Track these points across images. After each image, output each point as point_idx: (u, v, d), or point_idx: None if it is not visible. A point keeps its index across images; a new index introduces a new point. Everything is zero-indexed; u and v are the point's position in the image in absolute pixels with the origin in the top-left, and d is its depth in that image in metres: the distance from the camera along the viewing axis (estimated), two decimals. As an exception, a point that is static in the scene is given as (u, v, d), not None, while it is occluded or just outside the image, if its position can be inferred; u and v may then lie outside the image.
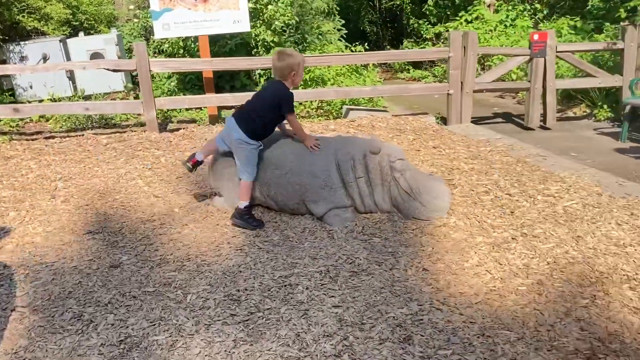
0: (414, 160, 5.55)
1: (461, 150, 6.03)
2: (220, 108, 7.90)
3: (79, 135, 6.88)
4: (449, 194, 4.13)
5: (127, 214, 4.45)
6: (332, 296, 3.09)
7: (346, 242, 3.79)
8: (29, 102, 7.78)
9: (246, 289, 3.22)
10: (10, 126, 7.42)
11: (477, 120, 7.91)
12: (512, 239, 3.69)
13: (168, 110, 7.91)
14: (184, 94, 8.20)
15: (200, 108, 8.00)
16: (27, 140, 6.82)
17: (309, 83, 8.30)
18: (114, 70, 6.76)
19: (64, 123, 7.48)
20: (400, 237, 3.82)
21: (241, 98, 6.91)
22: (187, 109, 8.15)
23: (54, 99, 7.72)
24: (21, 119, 7.45)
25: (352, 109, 7.67)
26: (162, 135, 6.73)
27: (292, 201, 4.20)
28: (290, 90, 4.08)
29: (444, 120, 7.89)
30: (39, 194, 4.88)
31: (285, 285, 3.23)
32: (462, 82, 7.46)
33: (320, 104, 8.47)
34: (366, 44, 10.22)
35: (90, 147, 6.28)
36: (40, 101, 7.72)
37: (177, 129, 7.17)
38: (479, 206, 4.29)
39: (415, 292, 3.08)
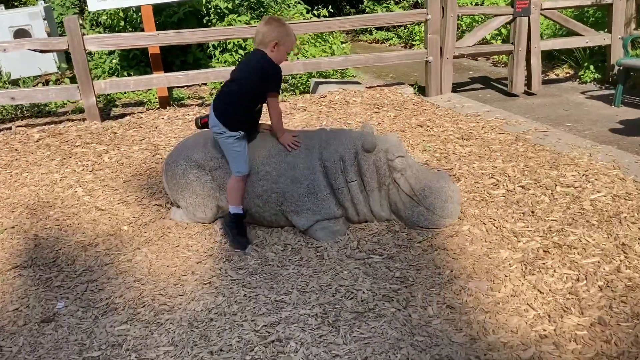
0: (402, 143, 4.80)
1: (450, 127, 5.32)
2: (171, 89, 6.96)
3: (5, 129, 5.85)
4: (459, 194, 3.42)
5: (64, 237, 3.59)
6: (337, 355, 2.35)
7: (340, 264, 3.05)
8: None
9: (222, 350, 2.45)
10: None
11: (454, 88, 7.20)
12: (544, 251, 3.01)
13: (110, 94, 6.92)
14: (129, 73, 7.20)
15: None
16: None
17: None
18: (42, 51, 5.72)
19: (-12, 113, 6.43)
20: (407, 255, 3.10)
21: (194, 77, 6.01)
22: (132, 91, 7.16)
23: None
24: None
25: (321, 83, 6.85)
26: (104, 124, 5.78)
27: (268, 212, 3.42)
28: (277, 64, 3.27)
29: (422, 90, 7.15)
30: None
31: (272, 341, 2.47)
32: (441, 48, 6.70)
33: (284, 76, 7.59)
34: (329, 7, 9.31)
35: (19, 144, 5.30)
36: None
37: (123, 115, 6.23)
38: (491, 205, 3.60)
39: (444, 344, 2.37)
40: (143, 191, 4.17)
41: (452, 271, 2.90)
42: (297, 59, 7.24)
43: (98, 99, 6.86)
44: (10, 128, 5.77)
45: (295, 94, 7.17)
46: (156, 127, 5.65)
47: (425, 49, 6.75)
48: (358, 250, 3.21)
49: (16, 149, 5.12)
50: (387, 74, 9.32)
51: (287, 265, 3.13)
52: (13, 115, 6.54)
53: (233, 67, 6.52)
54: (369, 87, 7.04)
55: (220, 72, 6.14)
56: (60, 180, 4.41)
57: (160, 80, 6.02)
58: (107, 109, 6.76)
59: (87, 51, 5.72)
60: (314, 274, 3.00)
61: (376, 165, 3.27)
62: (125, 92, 7.08)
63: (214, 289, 2.94)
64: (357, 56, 6.69)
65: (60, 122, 6.12)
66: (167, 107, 6.30)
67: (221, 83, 7.05)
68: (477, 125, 5.37)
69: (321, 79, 7.07)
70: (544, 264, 2.89)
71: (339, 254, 3.19)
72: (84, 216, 3.85)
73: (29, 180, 4.43)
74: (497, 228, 3.31)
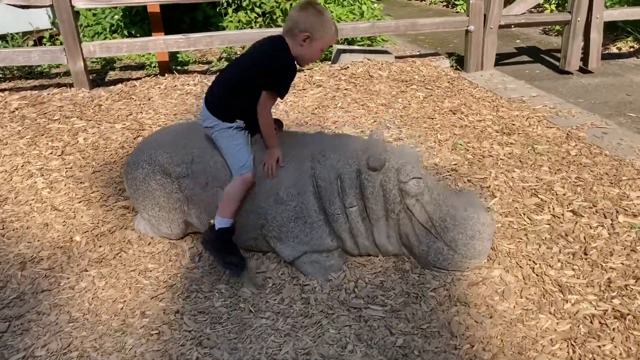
0: (428, 138, 3.99)
1: (489, 116, 4.47)
2: (174, 54, 6.20)
3: (-13, 93, 5.23)
4: (492, 228, 2.63)
5: (4, 248, 2.96)
6: None
7: (329, 317, 2.36)
8: None
9: None
10: None
11: (498, 60, 6.24)
12: (601, 323, 2.24)
13: (98, 58, 6.20)
14: (130, 32, 6.45)
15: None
16: None
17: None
18: (22, 7, 5.02)
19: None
20: (416, 309, 2.37)
21: (196, 41, 5.24)
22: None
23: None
24: None
25: (344, 50, 5.99)
26: (92, 93, 5.10)
27: (247, 235, 2.71)
28: (292, 60, 2.54)
29: (460, 62, 6.23)
30: None
31: None
32: (485, 15, 5.74)
33: None
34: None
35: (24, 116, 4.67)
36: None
37: (119, 81, 5.53)
38: (531, 237, 2.82)
39: None
40: (111, 187, 3.50)
41: (472, 346, 2.16)
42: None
43: (93, 61, 6.18)
44: (-11, 93, 5.14)
45: (316, 61, 6.33)
46: (149, 99, 4.95)
47: (467, 16, 5.80)
48: (354, 295, 2.49)
49: (-14, 121, 4.50)
50: (424, 39, 8.36)
51: (262, 310, 2.44)
52: (1, 76, 5.91)
53: (244, 30, 5.73)
54: (399, 57, 6.15)
55: (226, 37, 5.34)
56: (22, 166, 3.77)
57: (157, 44, 5.27)
58: (103, 71, 6.07)
59: (74, 8, 4.99)
60: (292, 331, 2.30)
61: (384, 187, 2.50)
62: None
63: (161, 344, 2.28)
64: (386, 23, 5.79)
65: (50, 86, 5.46)
66: (167, 74, 5.57)
67: (230, 48, 6.27)
68: (520, 115, 4.50)
69: (344, 46, 6.21)
70: (600, 347, 2.12)
71: (330, 297, 2.48)
72: (36, 218, 3.21)
73: (-14, 164, 3.80)
74: (537, 276, 2.54)
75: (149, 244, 2.96)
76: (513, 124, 4.30)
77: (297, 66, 2.58)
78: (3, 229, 3.12)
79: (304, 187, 2.54)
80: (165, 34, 5.44)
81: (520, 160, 3.63)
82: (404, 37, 8.21)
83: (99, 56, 5.34)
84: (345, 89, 5.02)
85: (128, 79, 5.61)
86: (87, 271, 2.77)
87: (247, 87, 2.53)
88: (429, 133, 4.09)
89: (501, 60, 6.55)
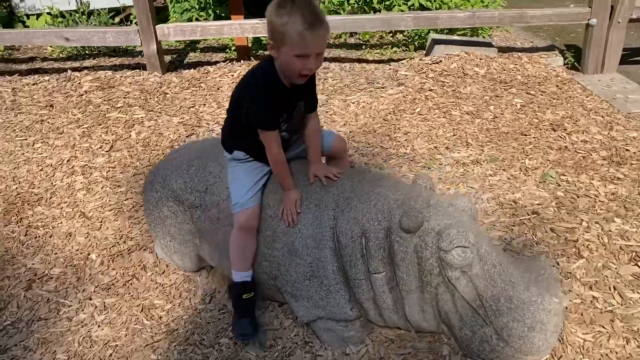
0: (513, 163, 3.33)
1: (598, 135, 3.70)
2: (258, 37, 5.82)
3: (70, 70, 5.17)
4: (559, 317, 2.02)
5: (19, 260, 2.79)
6: None
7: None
8: (27, 15, 6.15)
9: None
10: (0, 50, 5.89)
11: (624, 57, 5.24)
12: None
13: (174, 42, 5.97)
14: (216, 12, 6.16)
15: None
16: (1, 75, 5.22)
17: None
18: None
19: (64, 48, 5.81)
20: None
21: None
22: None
23: (54, 14, 6.02)
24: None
25: (440, 41, 5.32)
26: (163, 78, 4.88)
27: (260, 283, 2.30)
28: (264, 85, 1.99)
29: (578, 59, 5.32)
30: None
31: None
32: (612, 7, 4.81)
33: (381, 34, 6.15)
34: None
35: (62, 96, 4.60)
36: (38, 16, 6.06)
37: (195, 65, 5.28)
38: (618, 327, 2.16)
39: None
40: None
41: None
42: (408, 8, 5.72)
43: (171, 45, 5.99)
44: (66, 71, 5.10)
45: (408, 49, 5.72)
46: (217, 89, 4.65)
47: (589, 6, 4.89)
48: (372, 379, 2.01)
49: (52, 104, 4.42)
50: (539, 31, 7.36)
51: (260, 386, 2.04)
52: (90, 51, 5.88)
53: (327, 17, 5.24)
54: (504, 51, 5.38)
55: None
56: (68, 160, 3.61)
57: (232, 29, 4.93)
58: (185, 52, 5.86)
59: (150, -13, 4.76)
60: None
61: (419, 254, 1.98)
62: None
63: (134, 414, 1.95)
64: (489, 12, 5.03)
65: (128, 66, 5.34)
66: (244, 60, 5.24)
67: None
68: (639, 138, 3.67)
69: (439, 35, 5.52)
70: None
71: (344, 378, 2.02)
72: (62, 225, 3.02)
73: (35, 155, 3.68)
74: (616, 391, 1.91)
75: (162, 273, 2.65)
76: (627, 150, 3.51)
77: (291, 82, 1.99)
78: (25, 235, 2.96)
79: (323, 241, 2.08)
80: (252, 15, 5.10)
81: (625, 206, 2.90)
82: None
83: (173, 39, 5.10)
84: (430, 90, 4.40)
85: (206, 63, 5.35)
86: (91, 300, 2.52)
87: (236, 116, 2.09)
88: (517, 156, 3.42)
89: (628, 58, 5.53)
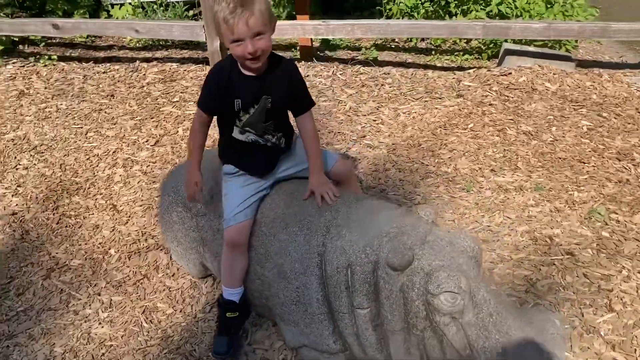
0: (560, 194, 3.06)
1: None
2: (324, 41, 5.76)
3: (141, 60, 5.35)
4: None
5: (46, 247, 2.91)
6: None
7: None
8: (111, 5, 6.43)
9: None
10: (83, 38, 6.19)
11: None
12: None
13: None
14: (287, 9, 6.15)
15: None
16: (79, 62, 5.47)
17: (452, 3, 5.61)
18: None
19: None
20: None
21: (336, 29, 4.75)
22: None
23: (135, 4, 6.24)
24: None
25: (512, 51, 5.01)
26: (223, 75, 4.91)
27: (253, 301, 2.26)
28: (216, 67, 2.07)
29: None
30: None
31: None
32: None
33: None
34: None
35: (125, 86, 4.76)
36: (121, 6, 6.31)
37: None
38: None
39: None
40: (175, 194, 3.26)
41: None
42: (487, 15, 5.41)
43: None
44: (136, 61, 5.28)
45: (480, 57, 5.44)
46: (273, 89, 4.61)
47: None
48: (348, 419, 1.91)
49: (113, 94, 4.58)
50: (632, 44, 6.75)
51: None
52: (162, 42, 6.06)
53: (396, 21, 5.07)
54: (585, 65, 4.98)
55: (370, 27, 4.75)
56: (114, 152, 3.72)
57: (294, 29, 4.89)
58: (253, 48, 5.89)
59: (217, -16, 4.80)
60: None
61: (405, 294, 1.84)
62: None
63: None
64: (567, 24, 4.67)
65: (196, 60, 5.44)
66: (306, 61, 5.18)
67: (383, 40, 5.63)
68: None
69: (515, 45, 5.20)
70: None
71: (321, 412, 1.93)
72: (93, 217, 3.12)
73: (86, 145, 3.83)
74: None
75: (172, 276, 2.66)
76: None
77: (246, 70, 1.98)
78: (57, 223, 3.08)
79: (310, 268, 1.99)
80: (324, 12, 5.02)
81: (679, 257, 2.58)
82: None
83: (236, 36, 5.12)
84: (490, 104, 4.15)
85: (269, 61, 5.34)
86: (99, 295, 2.58)
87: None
88: (567, 186, 3.14)
89: None
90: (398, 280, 1.84)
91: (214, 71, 2.03)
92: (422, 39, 5.90)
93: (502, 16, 5.42)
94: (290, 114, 2.18)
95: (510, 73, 4.70)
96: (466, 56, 5.47)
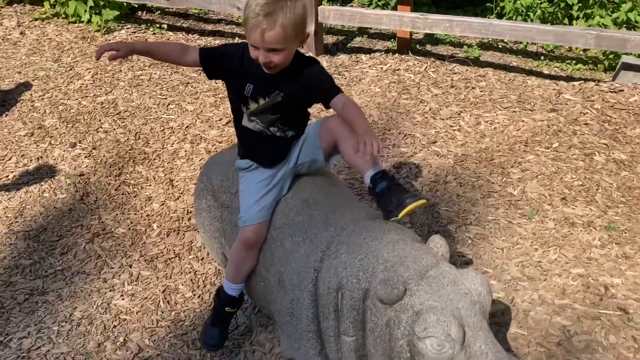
0: (636, 238, 2.71)
1: None
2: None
3: (242, 36, 5.45)
4: None
5: (99, 210, 3.08)
6: None
7: None
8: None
9: None
10: (196, 10, 6.42)
11: None
12: None
13: (334, 25, 5.82)
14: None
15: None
16: (186, 33, 5.67)
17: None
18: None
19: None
20: None
21: (434, 24, 4.54)
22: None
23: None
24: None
25: (630, 66, 4.49)
26: (319, 60, 4.85)
27: (259, 301, 2.23)
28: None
29: None
30: (69, 136, 3.75)
31: None
32: None
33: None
34: None
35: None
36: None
37: (350, 52, 5.20)
38: None
39: None
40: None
41: None
42: (613, 22, 4.88)
43: (329, 28, 5.90)
44: (235, 37, 5.38)
45: (597, 70, 4.96)
46: (359, 80, 4.53)
47: None
48: None
49: (204, 70, 4.70)
50: None
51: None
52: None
53: (498, 21, 4.72)
54: None
55: (469, 24, 4.45)
56: (188, 127, 3.84)
57: (391, 20, 4.71)
58: (353, 36, 5.79)
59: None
60: None
61: (391, 330, 1.71)
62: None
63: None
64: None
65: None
66: (402, 53, 4.99)
67: (489, 41, 5.27)
68: None
69: (635, 60, 4.64)
70: None
71: None
72: (149, 188, 3.24)
73: (164, 116, 3.97)
74: None
75: (201, 260, 2.70)
76: None
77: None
78: (116, 190, 3.23)
79: (304, 282, 1.91)
80: (435, 4, 4.79)
81: None
82: None
83: (332, 23, 5.05)
84: (586, 124, 3.75)
85: (366, 50, 5.23)
86: (130, 267, 2.68)
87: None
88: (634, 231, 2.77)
89: None
90: (385, 314, 1.71)
91: (237, 45, 1.97)
92: (534, 42, 5.46)
93: (630, 25, 4.87)
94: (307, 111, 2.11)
95: (621, 90, 4.22)
96: (579, 65, 5.00)
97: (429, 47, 5.30)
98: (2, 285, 2.59)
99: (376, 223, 1.95)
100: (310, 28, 4.84)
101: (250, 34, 1.77)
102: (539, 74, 4.69)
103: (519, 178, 3.19)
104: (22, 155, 3.55)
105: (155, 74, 4.58)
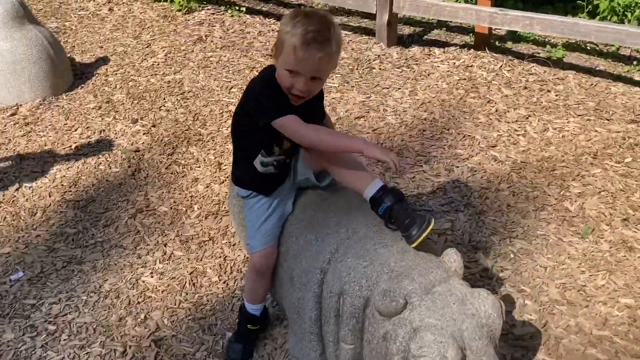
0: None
1: None
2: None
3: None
4: None
5: (146, 189, 3.16)
6: None
7: None
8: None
9: None
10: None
11: None
12: None
13: (410, 16, 5.60)
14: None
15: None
16: (264, 17, 5.70)
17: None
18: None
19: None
20: None
21: (512, 20, 4.30)
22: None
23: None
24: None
25: None
26: (384, 51, 4.75)
27: (275, 293, 2.22)
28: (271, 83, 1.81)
29: None
30: (133, 112, 3.88)
31: None
32: None
33: None
34: None
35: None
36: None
37: (425, 45, 5.03)
38: None
39: None
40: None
41: None
42: None
43: (399, 20, 5.71)
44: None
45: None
46: (427, 75, 4.37)
47: None
48: None
49: (271, 54, 4.70)
50: None
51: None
52: (342, 9, 6.04)
53: (586, 21, 4.37)
54: None
55: (550, 23, 4.16)
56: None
57: (467, 14, 4.49)
58: (430, 27, 5.59)
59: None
60: None
61: (387, 343, 1.63)
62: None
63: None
64: None
65: (370, 31, 5.33)
66: (479, 50, 4.76)
67: (576, 42, 4.91)
68: None
69: None
70: None
71: None
72: (199, 170, 3.30)
73: (225, 99, 4.02)
74: None
75: (232, 246, 2.72)
76: None
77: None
78: (166, 169, 3.31)
79: (310, 282, 1.86)
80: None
81: None
82: None
83: (407, 14, 4.90)
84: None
85: (441, 43, 5.04)
86: (165, 246, 2.74)
87: (242, 125, 1.97)
88: None
89: None
90: (383, 326, 1.63)
91: (273, 85, 1.78)
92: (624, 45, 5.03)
93: None
94: None
95: None
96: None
97: (509, 45, 5.03)
98: (46, 250, 2.72)
99: (385, 229, 1.86)
100: (384, 17, 4.73)
101: (300, 62, 1.67)
102: (628, 80, 4.32)
103: (579, 193, 2.95)
104: (87, 127, 3.71)
105: (225, 56, 4.64)
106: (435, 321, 1.56)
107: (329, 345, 1.81)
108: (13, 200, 3.05)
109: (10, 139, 3.59)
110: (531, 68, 4.37)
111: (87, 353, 2.19)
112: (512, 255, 2.59)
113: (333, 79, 4.22)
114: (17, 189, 3.13)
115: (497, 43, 5.03)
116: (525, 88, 4.07)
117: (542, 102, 3.87)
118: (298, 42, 1.65)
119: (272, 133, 1.83)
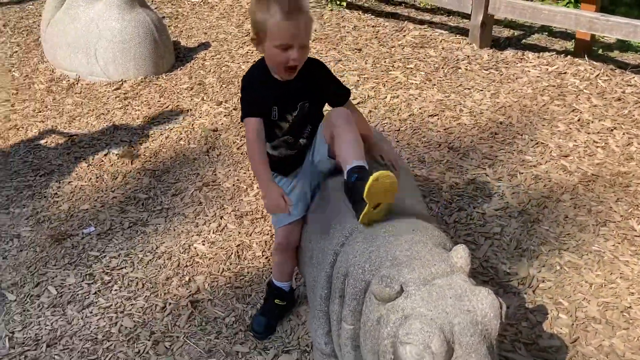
0: None
1: None
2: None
3: (417, 21, 5.44)
4: None
5: (217, 166, 3.39)
6: None
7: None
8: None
9: None
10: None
11: None
12: None
13: (510, 19, 5.38)
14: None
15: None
16: (363, 12, 5.79)
17: None
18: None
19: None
20: None
21: (614, 27, 4.07)
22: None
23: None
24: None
25: None
26: (475, 53, 4.67)
27: (302, 271, 2.33)
28: (250, 73, 1.99)
29: None
30: (219, 95, 4.13)
31: None
32: None
33: None
34: None
35: (379, 43, 4.93)
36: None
37: (521, 48, 4.88)
38: None
39: None
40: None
41: None
42: None
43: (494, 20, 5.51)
44: (404, 22, 5.37)
45: None
46: (514, 79, 4.25)
47: None
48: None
49: (361, 49, 4.80)
50: None
51: None
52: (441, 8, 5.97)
53: (621, 19, 4.00)
54: None
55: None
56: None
57: (566, 19, 4.29)
58: (531, 31, 5.39)
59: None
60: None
61: (380, 327, 1.68)
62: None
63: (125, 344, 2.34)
64: None
65: (464, 31, 5.26)
66: (579, 57, 4.54)
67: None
68: None
69: None
70: None
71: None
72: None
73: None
74: None
75: (257, 231, 2.86)
76: None
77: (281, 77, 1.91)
78: (238, 149, 3.52)
79: (324, 262, 1.94)
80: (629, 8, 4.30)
81: None
82: None
83: (502, 16, 4.76)
84: None
85: (539, 48, 4.87)
86: (222, 218, 2.94)
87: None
88: None
89: None
90: (378, 310, 1.68)
91: (248, 78, 1.95)
92: None
93: None
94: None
95: None
96: None
97: (614, 53, 4.75)
98: (118, 211, 3.01)
99: (405, 220, 1.89)
100: (478, 18, 4.65)
101: (290, 35, 1.77)
102: None
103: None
104: (177, 106, 4.01)
105: (315, 48, 4.79)
106: (426, 311, 1.59)
107: (333, 324, 1.89)
108: (100, 164, 3.39)
109: (109, 110, 3.97)
110: (631, 79, 4.10)
111: (131, 304, 2.42)
112: (557, 267, 2.50)
113: (415, 76, 4.23)
114: (105, 154, 3.47)
115: (600, 51, 4.77)
116: (619, 100, 3.84)
117: (633, 116, 3.64)
118: (280, 17, 1.74)
119: (268, 121, 1.94)
